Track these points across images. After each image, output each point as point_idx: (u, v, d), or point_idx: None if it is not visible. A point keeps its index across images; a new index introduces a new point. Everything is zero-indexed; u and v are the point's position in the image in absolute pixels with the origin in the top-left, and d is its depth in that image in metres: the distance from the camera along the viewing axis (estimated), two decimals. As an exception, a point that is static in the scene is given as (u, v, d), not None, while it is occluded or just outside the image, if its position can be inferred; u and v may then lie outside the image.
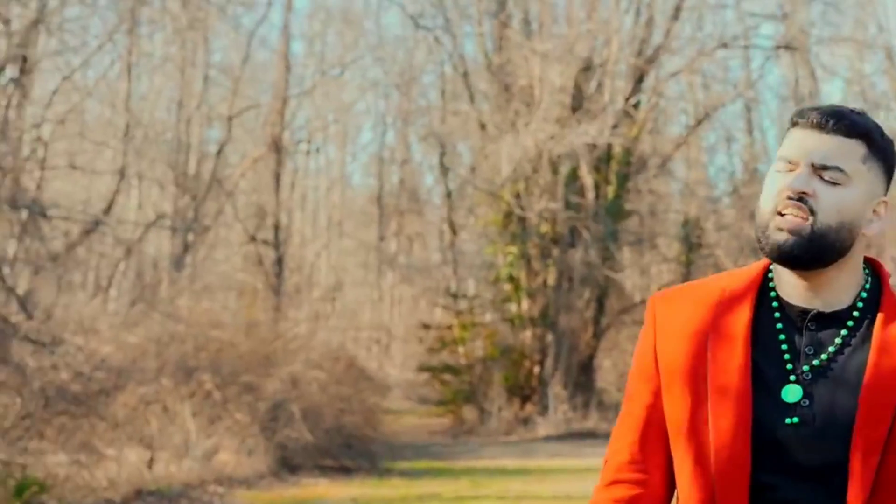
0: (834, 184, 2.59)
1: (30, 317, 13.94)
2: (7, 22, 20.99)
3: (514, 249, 22.33)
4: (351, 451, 19.03)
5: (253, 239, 23.07)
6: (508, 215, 22.20)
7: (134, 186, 24.26)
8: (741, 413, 2.60)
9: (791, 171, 2.62)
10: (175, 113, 24.39)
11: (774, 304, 2.70)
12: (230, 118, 24.19)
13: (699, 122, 24.18)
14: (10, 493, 13.02)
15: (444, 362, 24.24)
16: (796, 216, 2.58)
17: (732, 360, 2.64)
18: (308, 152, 28.82)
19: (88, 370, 16.65)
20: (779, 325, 2.67)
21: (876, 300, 2.69)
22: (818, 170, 2.60)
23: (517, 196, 21.77)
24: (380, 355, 28.99)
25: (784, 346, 2.65)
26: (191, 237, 23.64)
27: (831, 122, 2.61)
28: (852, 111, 2.67)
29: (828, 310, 2.67)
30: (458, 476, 18.21)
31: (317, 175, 30.72)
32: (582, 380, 23.41)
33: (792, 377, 2.62)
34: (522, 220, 22.13)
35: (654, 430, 2.74)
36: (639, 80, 22.17)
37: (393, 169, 27.87)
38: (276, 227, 23.12)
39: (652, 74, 22.90)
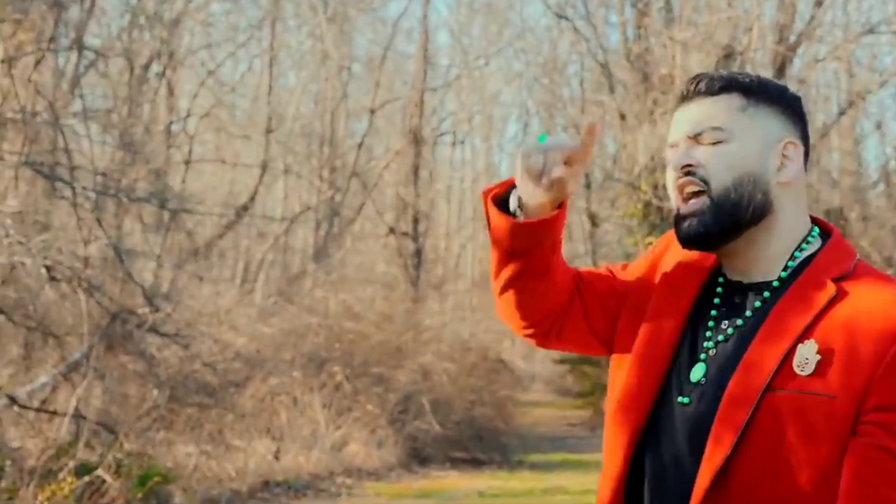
0: (715, 143, 2.48)
1: (156, 309, 14.13)
2: (152, 18, 21.39)
3: (653, 240, 22.10)
4: (482, 443, 19.00)
5: (392, 231, 23.17)
6: (648, 205, 21.96)
7: (279, 179, 24.52)
8: (648, 383, 2.54)
9: (676, 151, 2.54)
10: (318, 106, 24.62)
11: (720, 279, 2.60)
12: (372, 111, 24.32)
13: (844, 111, 23.62)
14: (133, 483, 13.22)
15: (584, 355, 23.89)
16: (693, 195, 2.48)
17: (664, 332, 2.57)
18: (454, 144, 28.90)
19: (221, 362, 16.88)
20: (715, 301, 2.57)
21: (800, 272, 2.52)
22: (695, 138, 2.50)
23: (656, 186, 21.52)
24: (522, 347, 28.92)
25: (710, 324, 2.54)
26: (334, 229, 23.83)
27: (692, 89, 2.53)
28: (707, 73, 2.55)
29: (750, 281, 2.54)
30: (590, 469, 18.06)
31: (462, 167, 30.80)
32: (723, 372, 22.98)
33: (703, 355, 2.51)
34: (661, 210, 21.87)
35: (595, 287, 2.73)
36: (780, 67, 21.71)
37: (537, 160, 27.69)
38: (416, 220, 23.20)
39: (796, 62, 22.47)
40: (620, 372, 2.62)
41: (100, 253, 14.52)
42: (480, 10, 26.79)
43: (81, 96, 19.83)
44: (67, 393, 14.21)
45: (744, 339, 2.47)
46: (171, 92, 22.59)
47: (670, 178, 2.54)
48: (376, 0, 23.98)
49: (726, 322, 2.52)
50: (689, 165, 2.48)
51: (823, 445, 2.34)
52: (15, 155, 13.63)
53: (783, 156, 2.53)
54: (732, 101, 2.51)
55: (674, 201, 2.54)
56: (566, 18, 22.79)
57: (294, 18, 23.68)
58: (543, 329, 2.74)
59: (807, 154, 2.60)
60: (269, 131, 22.61)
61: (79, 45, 20.38)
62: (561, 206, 2.55)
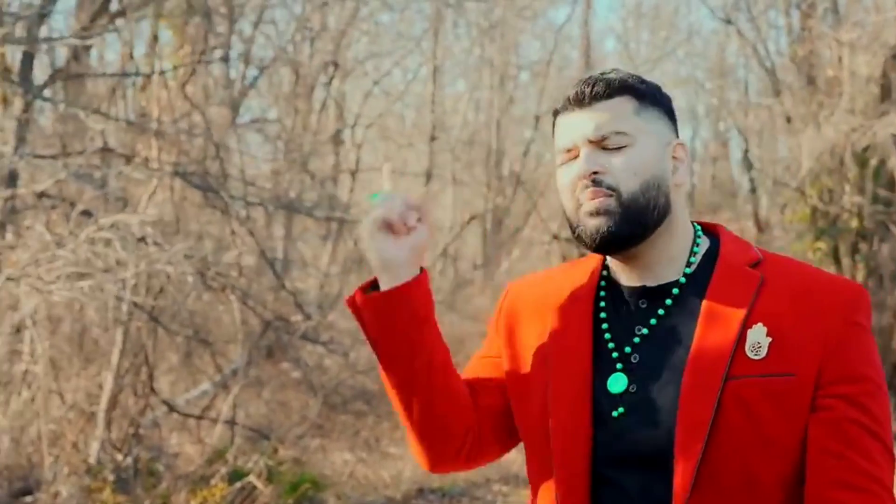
0: (619, 148, 2.44)
1: (308, 317, 14.33)
2: (319, 29, 21.69)
3: (822, 245, 21.63)
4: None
5: (556, 238, 23.14)
6: (815, 210, 21.57)
7: (446, 188, 24.66)
8: (579, 411, 2.48)
9: (574, 158, 2.47)
10: (484, 114, 24.72)
11: (609, 286, 2.56)
12: (537, 118, 24.33)
13: None
14: (284, 489, 13.42)
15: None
16: (599, 199, 2.42)
17: (571, 353, 2.51)
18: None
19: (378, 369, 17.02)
20: (603, 315, 2.53)
21: (708, 267, 2.50)
22: (598, 143, 2.44)
23: (823, 191, 21.14)
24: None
25: (607, 336, 2.50)
26: (501, 237, 23.89)
27: (588, 92, 2.47)
28: (604, 73, 2.51)
29: (655, 283, 2.50)
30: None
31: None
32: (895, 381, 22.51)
33: (619, 365, 2.47)
34: (828, 215, 21.46)
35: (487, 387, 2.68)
36: (952, 67, 21.14)
37: (706, 165, 27.48)
38: (579, 226, 23.12)
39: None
40: (531, 420, 2.56)
41: (255, 261, 14.77)
42: (648, 14, 26.71)
43: (241, 108, 20.18)
44: (229, 401, 14.50)
45: (666, 339, 2.44)
46: (338, 102, 22.87)
47: (570, 187, 2.47)
48: (539, 7, 23.97)
49: (637, 328, 2.48)
50: (597, 172, 2.43)
51: (795, 424, 2.34)
52: (171, 165, 13.95)
53: (675, 157, 2.52)
54: (627, 104, 2.47)
55: (570, 207, 2.48)
56: (730, 23, 22.51)
57: (458, 27, 23.84)
58: (462, 456, 2.68)
59: None
60: (433, 139, 22.78)
61: (246, 56, 20.78)
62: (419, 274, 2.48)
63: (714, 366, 2.36)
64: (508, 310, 2.67)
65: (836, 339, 2.38)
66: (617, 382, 2.45)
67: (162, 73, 15.01)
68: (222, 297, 14.40)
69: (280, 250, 17.92)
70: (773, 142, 24.32)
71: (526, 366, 2.58)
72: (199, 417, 14.47)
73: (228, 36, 20.45)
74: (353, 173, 22.84)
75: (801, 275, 2.46)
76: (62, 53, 15.20)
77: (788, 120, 21.80)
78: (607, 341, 2.49)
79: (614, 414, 2.44)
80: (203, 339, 14.19)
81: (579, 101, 2.47)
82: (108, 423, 14.08)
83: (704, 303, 2.44)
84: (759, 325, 2.38)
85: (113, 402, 14.06)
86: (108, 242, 11.72)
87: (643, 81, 2.51)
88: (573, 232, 2.49)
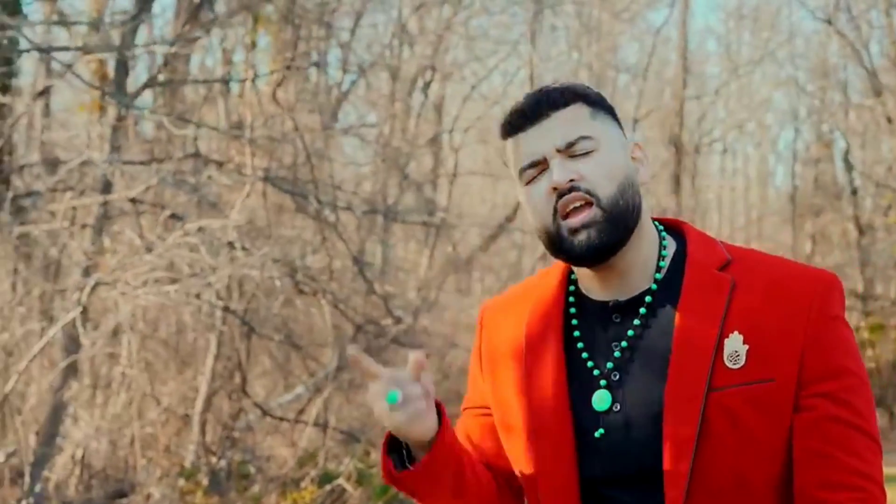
0: (587, 153, 2.38)
1: (398, 321, 14.39)
2: (417, 33, 21.76)
3: (927, 247, 21.38)
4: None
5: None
6: (918, 212, 21.29)
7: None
8: (561, 434, 2.44)
9: (541, 171, 2.40)
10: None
11: (579, 302, 2.50)
12: (636, 120, 24.22)
13: None
14: (374, 491, 13.48)
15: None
16: (576, 209, 2.36)
17: (546, 377, 2.46)
18: (724, 151, 28.56)
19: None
20: (576, 333, 2.47)
21: (678, 272, 2.44)
22: (567, 150, 2.38)
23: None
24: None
25: (584, 355, 2.45)
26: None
27: (541, 107, 2.42)
28: (548, 86, 2.45)
29: (626, 297, 2.44)
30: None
31: (733, 175, 30.40)
32: None
33: (602, 381, 2.42)
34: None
35: (487, 442, 2.62)
36: None
37: (808, 166, 27.16)
38: (677, 229, 22.95)
39: None
40: (519, 452, 2.52)
41: (347, 265, 14.85)
42: (748, 16, 26.47)
43: (339, 113, 20.30)
44: (319, 404, 14.59)
45: (645, 353, 2.40)
46: (436, 106, 22.92)
47: (544, 200, 2.39)
48: (637, 9, 23.85)
49: (615, 343, 2.43)
50: (573, 180, 2.37)
51: (780, 426, 2.32)
52: (262, 170, 14.06)
53: (634, 158, 2.47)
54: (582, 109, 2.43)
55: (547, 222, 2.40)
56: (830, 23, 22.25)
57: (555, 31, 23.76)
58: None
59: None
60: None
61: (344, 61, 20.89)
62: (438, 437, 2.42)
63: (694, 379, 2.32)
64: (486, 344, 2.61)
65: (814, 337, 2.34)
66: (601, 400, 2.41)
67: (255, 78, 15.13)
68: (314, 301, 14.50)
69: (378, 254, 18.01)
70: (876, 143, 24.00)
71: (509, 398, 2.53)
72: (290, 420, 14.58)
73: (326, 41, 20.59)
74: (452, 177, 22.87)
75: (771, 272, 2.40)
76: (159, 60, 15.39)
77: (889, 121, 21.51)
78: (585, 360, 2.45)
79: (597, 434, 2.41)
80: (294, 343, 14.29)
81: (535, 115, 2.41)
82: (203, 427, 14.24)
83: (678, 313, 2.38)
84: (735, 333, 2.33)
85: (207, 406, 14.21)
86: (193, 247, 11.85)
87: (588, 88, 2.48)
88: (553, 248, 2.42)
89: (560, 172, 2.37)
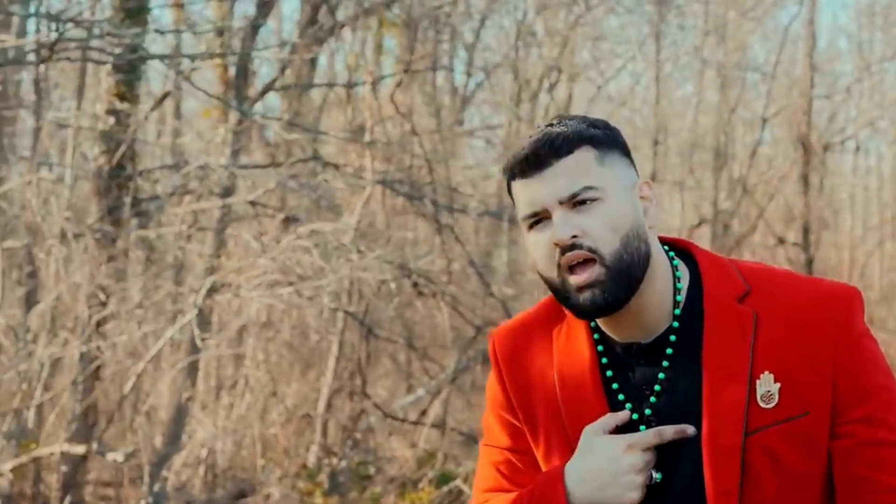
0: (592, 202, 2.33)
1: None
2: (542, 34, 21.75)
3: None
4: None
5: (782, 241, 22.72)
6: None
7: (672, 191, 24.46)
8: None
9: (544, 220, 2.35)
10: (709, 116, 24.42)
11: (605, 342, 2.45)
12: (764, 120, 23.94)
13: None
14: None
15: None
16: (579, 265, 2.31)
17: (587, 416, 2.42)
18: (857, 150, 28.09)
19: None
20: (609, 373, 2.43)
21: (696, 305, 2.40)
22: (569, 203, 2.32)
23: None
24: None
25: (621, 396, 2.41)
26: (728, 242, 23.56)
27: (545, 154, 2.34)
28: (552, 127, 2.37)
29: (648, 339, 2.40)
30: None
31: (866, 174, 29.90)
32: None
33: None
34: None
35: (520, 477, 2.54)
36: None
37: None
38: (806, 229, 22.66)
39: None
40: None
41: (465, 267, 14.88)
42: (880, 13, 26.01)
43: (463, 115, 20.36)
44: (438, 405, 14.65)
45: (676, 397, 2.37)
46: (562, 108, 22.87)
47: (547, 253, 2.35)
48: (765, 8, 23.56)
49: (645, 387, 2.40)
50: (575, 237, 2.32)
51: (820, 455, 2.31)
52: (380, 173, 14.16)
53: (643, 198, 2.41)
54: (588, 154, 2.36)
55: (552, 274, 2.36)
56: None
57: (682, 30, 23.57)
58: None
59: None
60: (657, 143, 22.60)
61: (469, 63, 20.96)
62: None
63: (731, 426, 2.30)
64: (512, 383, 2.51)
65: (843, 362, 2.32)
66: None
67: (377, 82, 15.23)
68: (433, 303, 14.55)
69: (504, 256, 18.00)
70: None
71: (552, 444, 2.48)
72: (410, 422, 14.66)
73: (451, 44, 20.67)
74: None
75: (790, 299, 2.35)
76: (277, 66, 15.54)
77: None
78: (622, 402, 2.42)
79: (657, 477, 2.39)
80: (412, 344, 14.36)
81: (538, 164, 2.34)
82: (325, 428, 14.38)
83: (704, 354, 2.35)
84: (766, 373, 2.31)
85: (328, 407, 14.34)
86: (310, 250, 11.96)
87: (596, 126, 2.40)
88: (560, 300, 2.38)
89: (562, 228, 2.32)
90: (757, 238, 24.31)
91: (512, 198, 2.43)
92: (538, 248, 2.37)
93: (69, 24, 10.37)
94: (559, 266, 2.34)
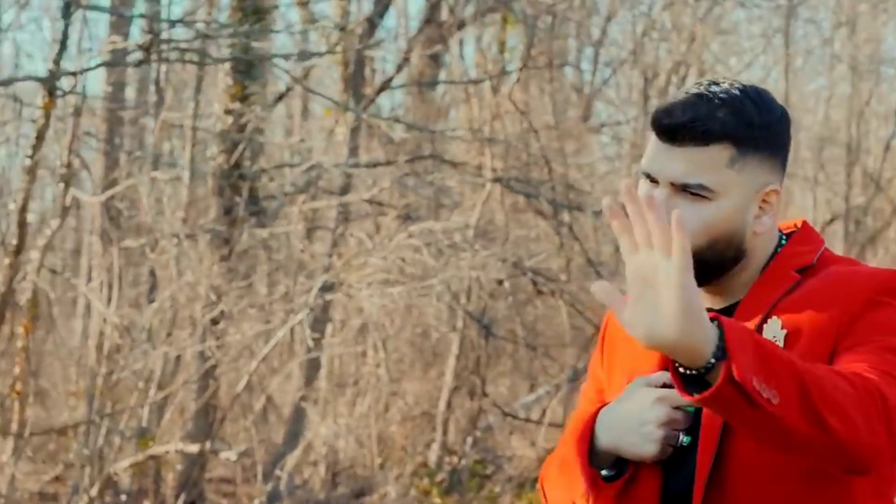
0: (700, 198, 2.27)
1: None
2: (668, 29, 21.54)
3: None
4: None
5: (916, 238, 22.25)
6: None
7: (805, 188, 24.10)
8: None
9: (654, 183, 2.32)
10: (840, 110, 23.99)
11: None
12: (899, 114, 23.47)
13: None
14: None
15: None
16: None
17: (643, 371, 2.41)
18: None
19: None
20: None
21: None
22: (679, 188, 2.28)
23: None
24: None
25: None
26: (862, 237, 23.16)
27: (680, 134, 2.26)
28: (710, 103, 2.28)
29: (721, 304, 2.38)
30: None
31: None
32: None
33: None
34: None
35: None
36: None
37: None
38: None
39: None
40: None
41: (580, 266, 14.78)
42: None
43: (590, 111, 20.23)
44: (556, 404, 14.58)
45: None
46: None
47: None
48: (893, 0, 23.06)
49: None
50: None
51: None
52: (500, 171, 14.09)
53: (764, 202, 2.34)
54: (722, 153, 2.27)
55: None
56: None
57: (813, 23, 23.20)
58: None
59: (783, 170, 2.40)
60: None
61: (595, 59, 20.82)
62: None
63: None
64: (608, 342, 2.56)
65: (851, 316, 2.23)
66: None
67: (494, 78, 15.17)
68: (552, 301, 14.46)
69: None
70: None
71: (612, 389, 2.49)
72: (529, 421, 14.61)
73: (578, 40, 20.55)
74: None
75: (838, 276, 2.31)
76: (400, 62, 15.54)
77: None
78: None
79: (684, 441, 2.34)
80: (530, 343, 14.29)
81: (672, 138, 2.28)
82: (445, 427, 14.36)
83: (738, 309, 2.33)
84: (775, 318, 2.27)
85: (449, 406, 14.33)
86: (425, 248, 11.94)
87: (751, 121, 2.29)
88: None
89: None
90: (891, 234, 23.83)
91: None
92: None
93: (178, 25, 10.44)
94: None
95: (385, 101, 18.64)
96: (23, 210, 10.28)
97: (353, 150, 13.50)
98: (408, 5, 20.80)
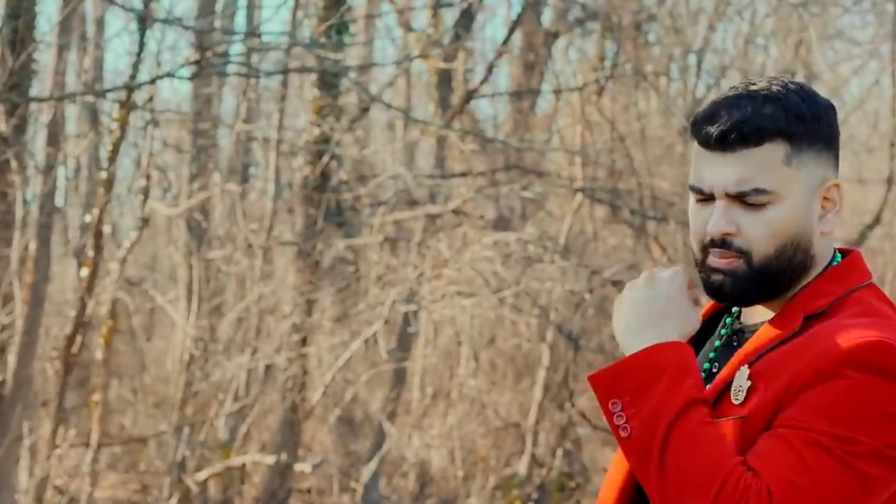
0: (760, 205, 2.16)
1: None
2: (772, 36, 21.29)
3: None
4: None
5: None
6: None
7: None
8: None
9: (706, 201, 2.20)
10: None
11: (728, 319, 2.34)
12: None
13: None
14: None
15: None
16: (728, 259, 2.19)
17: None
18: None
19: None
20: (717, 343, 2.31)
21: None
22: (736, 198, 2.16)
23: None
24: None
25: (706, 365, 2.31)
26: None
27: (730, 138, 2.14)
28: (754, 101, 2.16)
29: (747, 323, 2.29)
30: None
31: None
32: None
33: None
34: None
35: None
36: None
37: None
38: None
39: None
40: None
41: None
42: None
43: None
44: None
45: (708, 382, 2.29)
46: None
47: (698, 226, 2.22)
48: None
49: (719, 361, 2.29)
50: (729, 234, 2.18)
51: None
52: (586, 181, 14.00)
53: (826, 199, 2.21)
54: (776, 151, 2.15)
55: (697, 248, 2.24)
56: None
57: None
58: None
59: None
60: (893, 145, 21.87)
61: (697, 66, 20.61)
62: None
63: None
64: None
65: (801, 385, 2.09)
66: None
67: (581, 88, 15.08)
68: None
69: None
70: None
71: None
72: (603, 430, 14.50)
73: (681, 48, 20.34)
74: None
75: (830, 328, 2.15)
76: (487, 72, 15.49)
77: None
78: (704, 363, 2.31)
79: None
80: (615, 355, 14.16)
81: (722, 145, 2.16)
82: (535, 439, 14.30)
83: (741, 349, 2.23)
84: (745, 367, 2.15)
85: (539, 419, 14.26)
86: (503, 259, 11.89)
87: (801, 115, 2.17)
88: (697, 270, 2.26)
89: (718, 221, 2.19)
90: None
91: (691, 161, 2.29)
92: (694, 220, 2.24)
93: (256, 40, 10.48)
94: (705, 246, 2.22)
95: (485, 107, 18.66)
96: (99, 222, 10.38)
97: (440, 162, 13.48)
98: (496, 16, 20.76)
